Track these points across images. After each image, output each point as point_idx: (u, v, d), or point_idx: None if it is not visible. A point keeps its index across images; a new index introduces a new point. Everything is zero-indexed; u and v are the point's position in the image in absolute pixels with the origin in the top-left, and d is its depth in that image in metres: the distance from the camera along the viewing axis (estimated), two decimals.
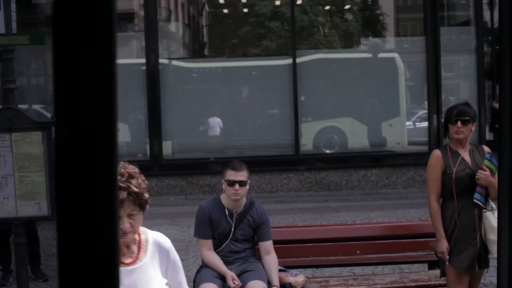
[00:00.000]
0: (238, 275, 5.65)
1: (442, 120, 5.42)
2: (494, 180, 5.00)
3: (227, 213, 5.68)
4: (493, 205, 5.15)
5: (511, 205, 2.44)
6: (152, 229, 3.64)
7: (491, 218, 5.05)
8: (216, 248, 5.69)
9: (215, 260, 5.61)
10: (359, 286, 6.16)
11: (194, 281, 5.83)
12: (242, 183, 5.57)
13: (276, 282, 5.64)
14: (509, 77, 2.26)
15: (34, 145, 5.21)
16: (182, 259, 9.19)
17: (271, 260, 5.72)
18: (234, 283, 5.49)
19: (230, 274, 5.52)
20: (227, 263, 5.64)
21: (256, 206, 5.79)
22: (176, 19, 15.96)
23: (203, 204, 5.72)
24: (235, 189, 5.54)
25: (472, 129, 5.24)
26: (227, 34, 15.76)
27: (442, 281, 5.85)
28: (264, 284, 5.62)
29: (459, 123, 5.16)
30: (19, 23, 12.41)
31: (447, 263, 5.20)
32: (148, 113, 13.64)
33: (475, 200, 5.10)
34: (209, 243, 5.66)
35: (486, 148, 5.39)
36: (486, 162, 5.15)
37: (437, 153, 5.24)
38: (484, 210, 5.12)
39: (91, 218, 0.78)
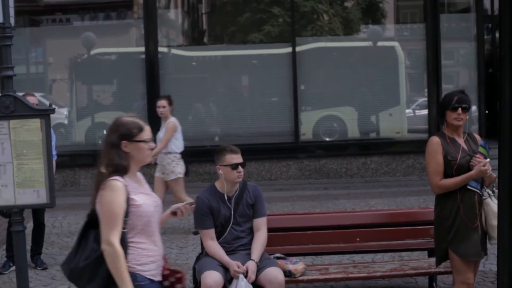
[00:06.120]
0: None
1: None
2: (485, 168, 5.04)
3: (226, 198, 5.68)
4: (489, 191, 5.17)
5: (511, 200, 2.44)
6: None
7: (492, 204, 5.07)
8: (219, 236, 5.67)
9: (218, 251, 5.59)
10: (358, 274, 6.16)
11: (194, 269, 5.81)
12: (243, 165, 5.64)
13: (255, 256, 5.60)
14: (509, 76, 2.24)
15: (33, 132, 5.18)
16: (181, 247, 9.23)
17: (260, 235, 5.73)
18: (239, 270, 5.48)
19: (235, 263, 5.50)
20: (230, 252, 5.62)
21: (249, 184, 5.83)
22: (175, 7, 15.90)
23: (201, 195, 5.70)
24: (239, 171, 5.61)
25: (467, 117, 5.28)
26: (226, 21, 15.70)
27: (441, 268, 5.85)
28: (281, 271, 5.67)
29: (459, 110, 5.18)
30: (18, 10, 12.26)
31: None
32: (147, 101, 13.61)
33: (469, 187, 5.12)
34: (211, 232, 5.64)
35: (478, 137, 5.44)
36: (480, 149, 5.18)
37: (436, 139, 5.23)
38: (484, 197, 5.14)
39: None
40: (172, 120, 9.47)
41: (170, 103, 9.58)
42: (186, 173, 9.67)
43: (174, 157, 9.45)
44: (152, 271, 3.89)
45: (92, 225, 3.82)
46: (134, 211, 3.79)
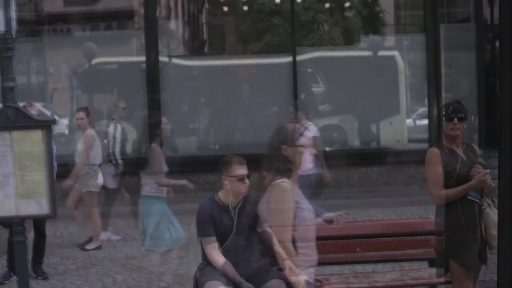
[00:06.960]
0: (250, 276, 5.57)
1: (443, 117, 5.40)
2: (485, 178, 5.05)
3: (230, 208, 5.65)
4: (489, 201, 5.18)
5: (511, 203, 2.46)
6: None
7: (492, 214, 5.08)
8: (219, 246, 5.65)
9: (227, 269, 5.52)
10: (359, 284, 6.15)
11: (196, 279, 5.79)
12: (248, 176, 5.53)
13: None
14: (509, 85, 2.26)
15: (35, 144, 5.19)
16: (182, 257, 9.19)
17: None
18: None
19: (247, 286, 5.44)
20: (233, 264, 5.60)
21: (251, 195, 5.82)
22: (176, 17, 15.95)
23: (203, 203, 5.69)
24: (245, 183, 5.39)
25: (465, 127, 5.29)
26: (227, 31, 15.75)
27: (442, 278, 5.85)
28: (283, 282, 5.61)
29: (455, 120, 5.19)
30: (19, 20, 12.27)
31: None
32: (148, 111, 13.63)
33: (469, 197, 5.13)
34: (213, 240, 5.61)
35: (476, 147, 5.46)
36: (480, 159, 5.20)
37: (435, 150, 5.24)
38: (484, 207, 5.15)
39: None
40: (90, 132, 9.47)
41: (88, 114, 9.60)
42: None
43: (90, 169, 9.39)
44: (310, 275, 3.92)
45: (252, 227, 3.91)
46: (299, 214, 3.84)
